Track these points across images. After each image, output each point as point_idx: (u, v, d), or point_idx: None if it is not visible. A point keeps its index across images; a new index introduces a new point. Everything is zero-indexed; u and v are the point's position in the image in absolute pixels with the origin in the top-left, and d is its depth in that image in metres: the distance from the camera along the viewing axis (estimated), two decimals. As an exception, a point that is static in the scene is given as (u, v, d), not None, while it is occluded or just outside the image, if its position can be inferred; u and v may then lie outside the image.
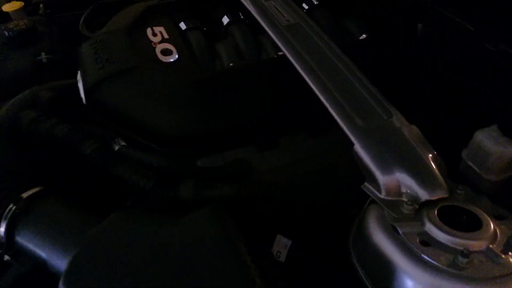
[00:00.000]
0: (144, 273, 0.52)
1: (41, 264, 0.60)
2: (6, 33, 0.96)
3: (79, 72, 0.86)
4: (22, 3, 1.22)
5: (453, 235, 0.52)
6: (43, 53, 0.92)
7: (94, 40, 0.88)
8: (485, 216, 0.55)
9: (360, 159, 0.61)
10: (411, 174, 0.58)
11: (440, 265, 0.50)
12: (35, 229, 0.61)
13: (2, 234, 0.61)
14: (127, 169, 0.66)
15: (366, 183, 0.60)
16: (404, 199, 0.57)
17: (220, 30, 0.99)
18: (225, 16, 1.00)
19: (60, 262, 0.58)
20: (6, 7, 1.22)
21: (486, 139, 0.65)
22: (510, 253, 0.51)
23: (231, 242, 0.54)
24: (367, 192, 0.60)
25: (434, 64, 0.86)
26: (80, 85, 0.84)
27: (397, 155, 0.60)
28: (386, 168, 0.59)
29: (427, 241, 0.53)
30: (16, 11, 1.22)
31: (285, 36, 0.81)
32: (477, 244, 0.52)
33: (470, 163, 0.67)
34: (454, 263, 0.50)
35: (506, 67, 0.73)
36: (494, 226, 0.53)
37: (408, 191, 0.58)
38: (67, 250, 0.59)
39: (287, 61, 0.76)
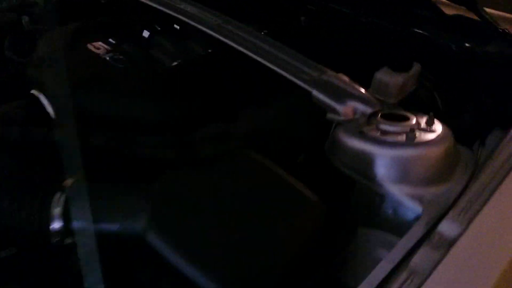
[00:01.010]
0: (220, 211, 0.66)
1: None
2: None
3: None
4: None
5: (398, 125, 0.81)
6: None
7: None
8: (407, 114, 0.85)
9: (319, 100, 0.87)
10: (357, 100, 0.86)
11: (398, 141, 0.78)
12: (86, 208, 0.69)
13: (59, 219, 0.67)
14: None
15: (328, 114, 0.86)
16: (357, 116, 0.85)
17: (144, 43, 1.15)
18: (144, 30, 1.16)
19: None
20: None
21: (383, 76, 0.97)
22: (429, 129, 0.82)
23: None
24: (332, 119, 0.85)
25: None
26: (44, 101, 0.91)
27: (343, 90, 0.88)
28: (341, 100, 0.86)
29: (385, 131, 0.80)
30: None
31: (220, 28, 1.02)
32: (412, 125, 0.81)
33: (376, 96, 0.98)
34: (407, 139, 0.78)
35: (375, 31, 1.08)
36: (415, 117, 0.84)
37: (358, 110, 0.86)
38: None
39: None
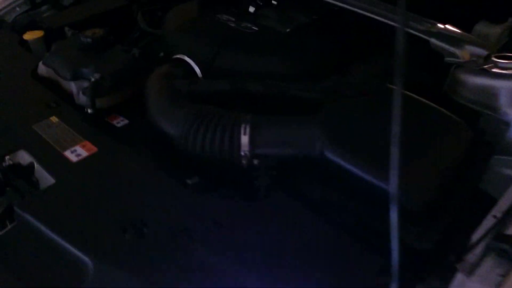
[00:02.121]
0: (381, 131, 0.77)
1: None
2: (88, 39, 1.07)
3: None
4: (42, 32, 1.28)
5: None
6: (135, 49, 1.07)
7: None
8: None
9: (438, 46, 0.98)
10: (471, 44, 0.98)
11: None
12: (271, 134, 0.81)
13: (247, 145, 0.80)
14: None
15: (446, 58, 0.98)
16: (474, 58, 0.96)
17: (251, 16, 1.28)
18: (250, 6, 1.29)
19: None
20: (27, 36, 1.28)
21: (483, 27, 1.08)
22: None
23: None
24: (451, 62, 0.97)
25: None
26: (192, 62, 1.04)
27: (458, 37, 0.99)
28: (458, 45, 0.97)
29: (503, 67, 0.92)
30: (35, 39, 1.28)
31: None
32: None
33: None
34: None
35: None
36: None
37: (474, 52, 0.97)
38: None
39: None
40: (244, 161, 0.80)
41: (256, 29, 1.12)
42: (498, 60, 0.94)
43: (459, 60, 0.98)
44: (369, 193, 0.74)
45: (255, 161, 0.80)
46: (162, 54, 1.15)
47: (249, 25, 1.15)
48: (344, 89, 0.93)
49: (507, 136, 0.90)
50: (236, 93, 0.94)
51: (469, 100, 0.95)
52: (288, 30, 1.17)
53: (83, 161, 0.84)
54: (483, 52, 0.98)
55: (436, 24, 1.05)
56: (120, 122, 0.98)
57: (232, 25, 1.14)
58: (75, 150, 0.88)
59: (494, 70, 0.93)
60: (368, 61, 1.09)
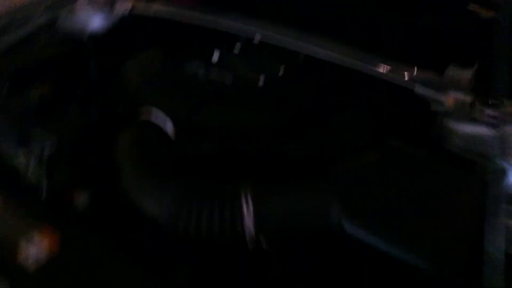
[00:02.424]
0: (398, 195, 0.71)
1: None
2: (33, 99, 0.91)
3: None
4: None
5: (501, 110, 0.92)
6: (92, 106, 0.93)
7: None
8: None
9: (423, 94, 0.95)
10: (456, 90, 0.96)
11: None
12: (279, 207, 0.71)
13: (253, 223, 0.69)
14: None
15: (432, 106, 0.95)
16: (460, 106, 0.94)
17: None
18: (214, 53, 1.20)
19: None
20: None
21: (455, 72, 1.08)
22: None
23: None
24: (438, 110, 0.94)
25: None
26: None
27: (442, 83, 0.97)
28: (443, 92, 0.95)
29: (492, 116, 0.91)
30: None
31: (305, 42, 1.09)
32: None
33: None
34: None
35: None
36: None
37: (458, 99, 0.95)
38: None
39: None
40: (250, 245, 0.69)
41: (230, 81, 1.03)
42: (486, 108, 0.93)
43: (446, 108, 0.96)
44: (398, 269, 0.66)
45: (264, 244, 0.70)
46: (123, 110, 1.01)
47: (220, 76, 1.06)
48: (336, 142, 0.87)
49: (504, 184, 0.88)
50: (226, 156, 0.84)
51: (461, 149, 0.92)
52: (262, 81, 1.09)
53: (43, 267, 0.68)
54: (468, 98, 0.96)
55: (415, 69, 1.03)
56: (81, 200, 0.83)
57: (203, 78, 1.04)
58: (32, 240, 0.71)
59: (484, 118, 0.91)
60: (349, 112, 1.04)
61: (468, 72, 1.06)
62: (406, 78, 0.98)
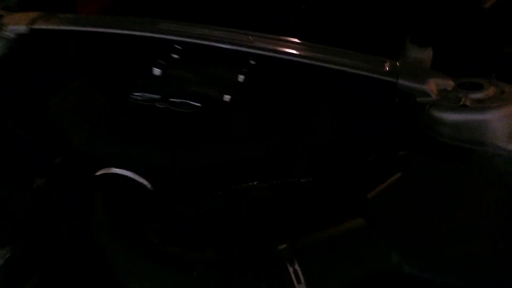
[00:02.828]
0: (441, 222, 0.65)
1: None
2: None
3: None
4: None
5: (483, 92, 0.90)
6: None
7: None
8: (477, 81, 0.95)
9: (406, 87, 0.90)
10: (436, 77, 0.92)
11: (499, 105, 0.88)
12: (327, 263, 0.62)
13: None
14: None
15: (418, 99, 0.90)
16: (443, 93, 0.91)
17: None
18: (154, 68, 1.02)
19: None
20: None
21: (415, 52, 1.05)
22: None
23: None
24: (424, 101, 0.90)
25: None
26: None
27: (421, 73, 0.93)
28: (425, 81, 0.91)
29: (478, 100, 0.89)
30: None
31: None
32: (495, 90, 0.91)
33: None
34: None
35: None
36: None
37: (440, 86, 0.92)
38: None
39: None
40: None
41: (196, 104, 0.88)
42: (471, 92, 0.90)
43: (432, 98, 0.92)
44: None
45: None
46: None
47: (178, 100, 0.90)
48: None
49: (503, 168, 0.88)
50: (230, 208, 0.71)
51: (455, 139, 0.90)
52: (228, 97, 0.95)
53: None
54: (446, 84, 0.94)
55: (387, 61, 0.97)
56: None
57: (161, 105, 0.87)
58: None
59: (471, 103, 0.89)
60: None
61: (427, 50, 1.04)
62: (387, 70, 0.93)
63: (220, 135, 0.84)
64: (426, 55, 1.05)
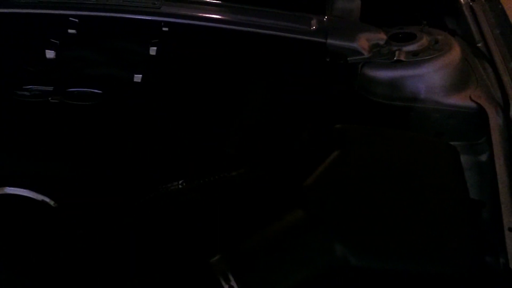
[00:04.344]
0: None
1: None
2: None
3: None
4: None
5: (416, 43, 0.84)
6: None
7: None
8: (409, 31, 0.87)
9: (336, 46, 0.82)
10: (366, 33, 0.85)
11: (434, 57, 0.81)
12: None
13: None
14: None
15: (349, 58, 0.82)
16: (376, 49, 0.84)
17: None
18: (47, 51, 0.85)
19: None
20: None
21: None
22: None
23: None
24: (357, 61, 0.82)
25: None
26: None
27: (351, 30, 0.84)
28: (356, 39, 0.83)
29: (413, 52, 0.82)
30: None
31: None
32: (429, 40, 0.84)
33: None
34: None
35: None
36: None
37: (372, 42, 0.84)
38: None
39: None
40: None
41: (98, 92, 0.74)
42: (404, 44, 0.83)
43: (363, 56, 0.84)
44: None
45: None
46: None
47: (76, 90, 0.76)
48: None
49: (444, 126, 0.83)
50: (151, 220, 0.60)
51: (390, 97, 0.83)
52: (139, 76, 0.81)
53: None
54: (381, 37, 0.86)
55: (314, 18, 0.87)
56: None
57: (54, 100, 0.72)
58: None
59: (405, 58, 0.82)
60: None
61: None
62: (314, 28, 0.83)
63: (130, 130, 0.72)
64: (354, 4, 0.96)
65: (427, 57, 0.81)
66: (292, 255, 0.55)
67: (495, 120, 0.75)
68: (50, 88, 0.74)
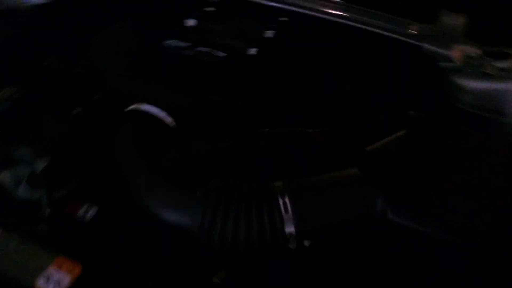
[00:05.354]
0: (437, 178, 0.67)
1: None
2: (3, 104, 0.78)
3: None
4: None
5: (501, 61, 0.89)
6: (77, 108, 0.81)
7: None
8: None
9: (431, 51, 0.90)
10: (462, 43, 0.92)
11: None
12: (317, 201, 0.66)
13: (293, 222, 0.63)
14: None
15: (441, 64, 0.90)
16: (469, 60, 0.90)
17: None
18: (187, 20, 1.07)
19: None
20: None
21: (449, 19, 1.03)
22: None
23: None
24: (447, 67, 0.90)
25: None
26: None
27: (447, 38, 0.92)
28: (450, 47, 0.91)
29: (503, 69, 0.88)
30: None
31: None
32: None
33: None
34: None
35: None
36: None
37: (466, 53, 0.91)
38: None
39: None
40: (291, 245, 0.64)
41: (222, 54, 0.93)
42: (498, 60, 0.89)
43: (454, 64, 0.91)
44: (450, 256, 0.64)
45: (306, 242, 0.65)
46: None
47: (205, 49, 0.95)
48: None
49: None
50: (240, 150, 0.76)
51: (473, 106, 0.89)
52: (254, 50, 0.99)
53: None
54: (477, 51, 0.92)
55: (414, 24, 0.97)
56: (86, 212, 0.74)
57: (189, 52, 0.93)
58: (50, 277, 0.62)
59: (495, 72, 0.88)
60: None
61: (461, 17, 1.02)
62: (415, 33, 0.93)
63: (240, 84, 0.89)
64: (459, 21, 1.03)
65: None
66: (339, 199, 0.66)
67: None
68: (186, 45, 0.95)
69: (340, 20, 0.98)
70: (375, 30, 0.93)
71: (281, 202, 0.64)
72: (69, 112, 0.82)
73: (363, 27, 0.94)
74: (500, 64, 0.89)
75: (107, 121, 0.83)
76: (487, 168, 0.70)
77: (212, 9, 1.09)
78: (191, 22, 1.06)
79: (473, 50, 0.92)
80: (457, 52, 0.91)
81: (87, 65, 0.96)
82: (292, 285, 0.66)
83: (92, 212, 0.73)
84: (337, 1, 1.01)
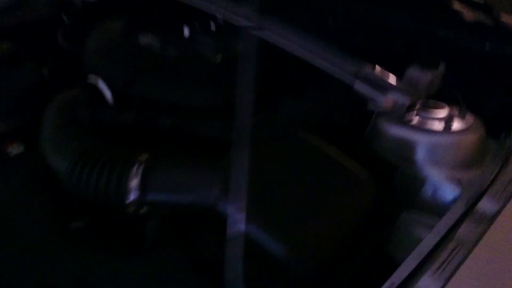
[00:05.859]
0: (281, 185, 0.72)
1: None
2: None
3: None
4: None
5: (436, 112, 0.89)
6: (44, 68, 1.00)
7: None
8: (441, 104, 0.93)
9: (361, 92, 0.94)
10: (396, 91, 0.93)
11: (438, 129, 0.86)
12: (164, 178, 0.75)
13: (136, 191, 0.73)
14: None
15: (369, 105, 0.93)
16: (397, 106, 0.92)
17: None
18: (185, 29, 1.23)
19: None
20: None
21: (414, 72, 1.05)
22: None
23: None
24: (373, 110, 0.93)
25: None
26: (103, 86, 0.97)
27: (384, 83, 0.95)
28: (382, 92, 0.93)
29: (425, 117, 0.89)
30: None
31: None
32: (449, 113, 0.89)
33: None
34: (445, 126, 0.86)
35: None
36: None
37: (398, 101, 0.93)
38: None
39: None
40: (131, 208, 0.73)
41: (181, 56, 1.06)
42: (421, 109, 0.90)
43: (381, 107, 0.94)
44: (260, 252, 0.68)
45: (144, 209, 0.74)
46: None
47: (174, 51, 1.09)
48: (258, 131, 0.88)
49: (420, 192, 0.86)
50: (143, 127, 0.88)
51: (387, 152, 0.90)
52: (218, 60, 1.11)
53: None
54: (405, 100, 0.94)
55: (365, 66, 1.01)
56: (15, 149, 0.90)
57: (155, 50, 1.07)
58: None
59: (414, 121, 0.89)
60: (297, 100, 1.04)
61: (429, 74, 1.03)
62: (347, 71, 0.97)
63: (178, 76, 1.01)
64: (425, 77, 1.04)
65: (436, 129, 0.86)
66: (184, 177, 0.74)
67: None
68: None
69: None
70: (319, 63, 0.99)
71: (134, 168, 0.74)
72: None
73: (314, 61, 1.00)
74: (425, 114, 0.89)
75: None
76: (332, 195, 0.73)
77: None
78: (186, 32, 1.21)
79: (406, 102, 0.93)
80: (388, 100, 0.93)
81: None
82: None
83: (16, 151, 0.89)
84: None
